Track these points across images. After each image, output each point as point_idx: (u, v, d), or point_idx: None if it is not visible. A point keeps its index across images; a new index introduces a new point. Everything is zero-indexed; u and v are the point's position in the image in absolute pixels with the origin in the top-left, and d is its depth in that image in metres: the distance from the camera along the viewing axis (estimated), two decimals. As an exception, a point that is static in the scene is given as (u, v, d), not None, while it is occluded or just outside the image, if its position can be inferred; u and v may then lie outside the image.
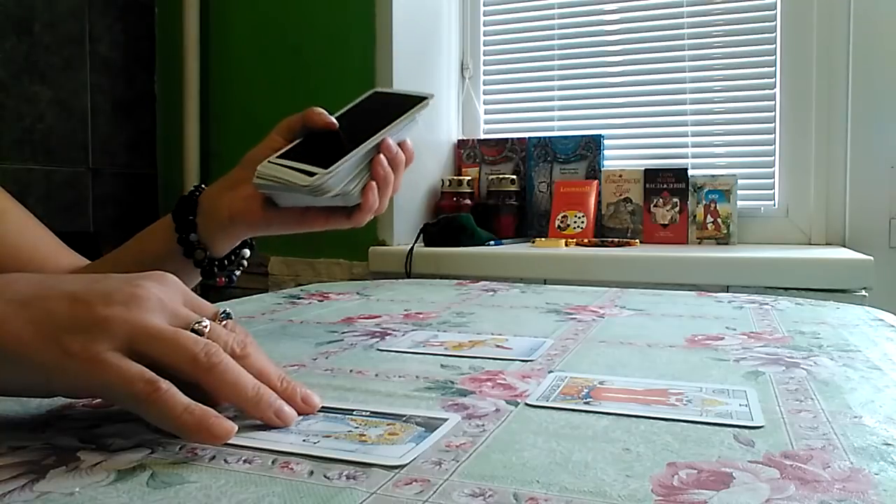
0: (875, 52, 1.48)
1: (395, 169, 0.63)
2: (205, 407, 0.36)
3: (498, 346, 0.62)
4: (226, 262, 0.70)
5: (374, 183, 0.61)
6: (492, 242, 1.55)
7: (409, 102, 0.64)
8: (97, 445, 0.36)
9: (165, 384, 0.36)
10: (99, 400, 0.44)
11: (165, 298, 0.40)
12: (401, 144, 0.64)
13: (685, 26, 1.67)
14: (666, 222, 1.61)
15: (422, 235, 1.58)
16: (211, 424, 0.36)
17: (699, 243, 1.58)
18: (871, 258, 1.22)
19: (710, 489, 0.31)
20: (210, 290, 1.50)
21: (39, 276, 0.41)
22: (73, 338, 0.36)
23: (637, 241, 1.56)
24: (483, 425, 0.40)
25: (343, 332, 0.69)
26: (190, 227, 0.66)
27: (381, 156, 0.61)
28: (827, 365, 0.55)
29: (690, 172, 1.61)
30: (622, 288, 1.05)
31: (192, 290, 0.45)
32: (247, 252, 0.72)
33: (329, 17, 1.68)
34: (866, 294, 1.19)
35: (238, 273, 0.72)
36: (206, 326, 0.40)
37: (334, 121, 0.63)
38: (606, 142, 1.72)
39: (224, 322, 0.42)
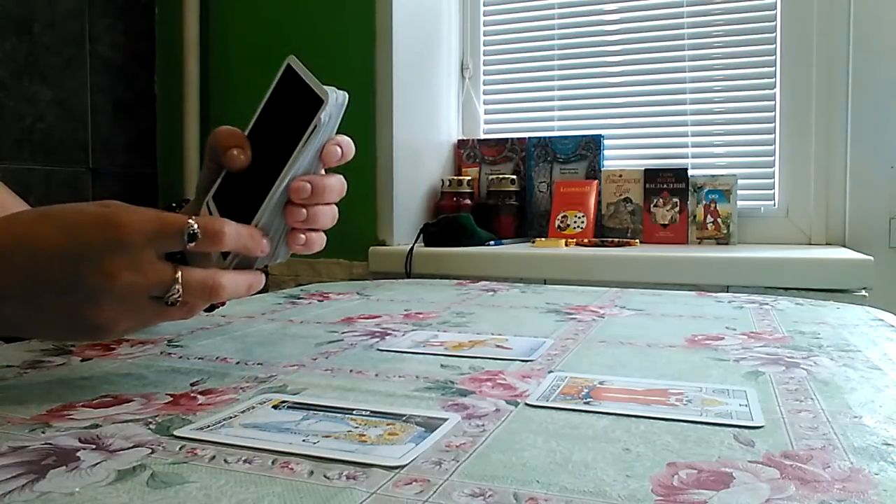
0: (875, 52, 1.47)
1: (320, 199, 0.51)
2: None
3: (498, 346, 0.62)
4: None
5: (296, 233, 0.52)
6: (492, 242, 1.54)
7: (314, 104, 0.50)
8: (97, 445, 0.36)
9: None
10: (99, 400, 0.44)
11: (137, 279, 0.43)
12: (326, 147, 0.51)
13: (685, 26, 1.67)
14: (666, 222, 1.61)
15: (422, 235, 1.58)
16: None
17: (699, 243, 1.58)
18: (871, 258, 1.21)
19: (710, 489, 0.31)
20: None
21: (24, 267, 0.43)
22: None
23: (637, 241, 1.56)
24: (483, 425, 0.40)
25: (343, 332, 0.69)
26: None
27: (291, 206, 0.51)
28: (827, 365, 0.55)
29: (690, 172, 1.61)
30: (622, 288, 1.05)
31: None
32: None
33: (328, 18, 1.68)
34: (866, 294, 1.19)
35: (219, 307, 0.69)
36: (177, 293, 0.45)
37: (246, 160, 0.54)
38: (606, 142, 1.72)
39: (193, 242, 0.45)
